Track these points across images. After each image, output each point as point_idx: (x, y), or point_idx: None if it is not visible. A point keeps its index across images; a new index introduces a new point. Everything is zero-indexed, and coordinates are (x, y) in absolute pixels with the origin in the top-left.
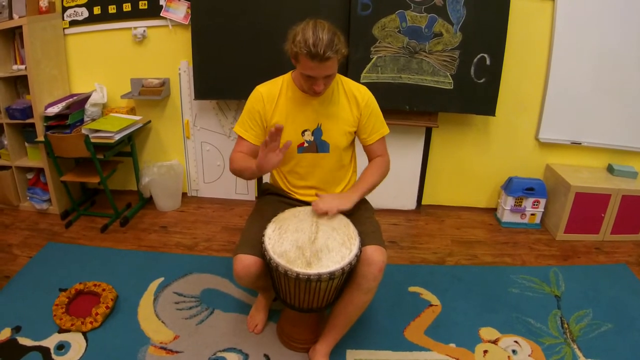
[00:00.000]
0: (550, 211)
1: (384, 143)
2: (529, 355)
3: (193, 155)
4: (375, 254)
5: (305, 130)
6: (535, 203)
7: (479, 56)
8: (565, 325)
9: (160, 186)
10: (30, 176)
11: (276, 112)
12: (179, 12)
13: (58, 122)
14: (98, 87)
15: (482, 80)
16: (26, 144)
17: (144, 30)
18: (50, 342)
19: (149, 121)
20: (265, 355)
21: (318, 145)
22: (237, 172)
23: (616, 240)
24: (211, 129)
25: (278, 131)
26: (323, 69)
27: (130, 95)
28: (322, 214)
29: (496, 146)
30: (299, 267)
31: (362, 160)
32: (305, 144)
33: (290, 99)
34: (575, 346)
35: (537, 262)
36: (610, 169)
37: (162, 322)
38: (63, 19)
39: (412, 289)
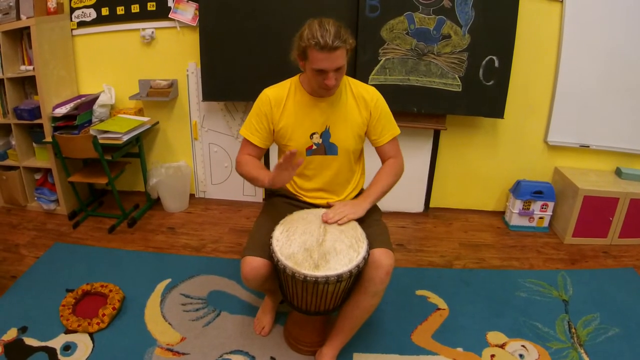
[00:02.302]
0: (559, 214)
1: (396, 144)
2: None
3: (201, 157)
4: (383, 257)
5: (314, 133)
6: (544, 206)
7: (487, 58)
8: (573, 330)
9: (167, 187)
10: (38, 176)
11: (284, 116)
12: (187, 13)
13: (66, 123)
14: (106, 88)
15: (490, 83)
16: (34, 144)
17: (152, 32)
18: (57, 342)
19: (157, 122)
20: (272, 358)
21: (326, 147)
22: (246, 178)
23: (624, 244)
24: (219, 130)
25: (292, 155)
26: (333, 60)
27: (138, 96)
28: (332, 223)
29: (504, 149)
30: (307, 270)
31: (370, 160)
32: (314, 147)
33: (298, 102)
34: (582, 351)
35: (545, 265)
36: (618, 172)
37: (169, 323)
38: (71, 20)
39: (419, 292)
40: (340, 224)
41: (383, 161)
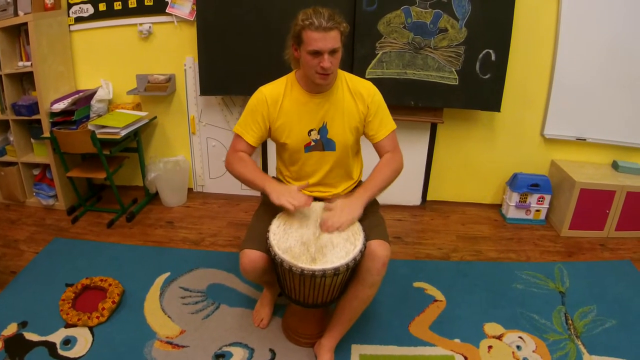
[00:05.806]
0: (555, 207)
1: (393, 138)
2: (534, 351)
3: (199, 151)
4: (379, 248)
5: (312, 130)
6: (540, 199)
7: (484, 52)
8: (570, 322)
9: (166, 182)
10: (36, 172)
11: (281, 114)
12: (184, 8)
13: (64, 118)
14: (104, 83)
15: (487, 76)
16: (32, 140)
17: (150, 27)
18: (57, 337)
19: (155, 117)
20: (271, 350)
21: (324, 143)
22: (240, 178)
23: (621, 236)
24: (216, 124)
25: (308, 205)
26: (328, 40)
27: (136, 91)
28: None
29: (501, 142)
30: (304, 263)
31: (368, 154)
32: (312, 143)
33: (295, 99)
34: (579, 342)
35: (542, 258)
36: (615, 166)
37: (168, 316)
38: (68, 16)
39: (417, 284)
40: (341, 230)
41: (381, 157)
